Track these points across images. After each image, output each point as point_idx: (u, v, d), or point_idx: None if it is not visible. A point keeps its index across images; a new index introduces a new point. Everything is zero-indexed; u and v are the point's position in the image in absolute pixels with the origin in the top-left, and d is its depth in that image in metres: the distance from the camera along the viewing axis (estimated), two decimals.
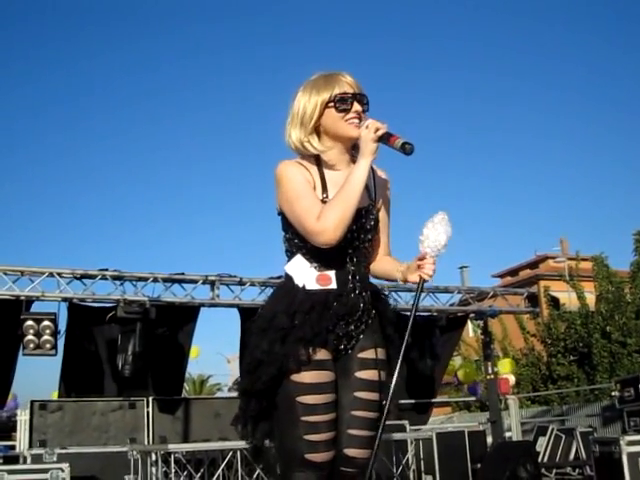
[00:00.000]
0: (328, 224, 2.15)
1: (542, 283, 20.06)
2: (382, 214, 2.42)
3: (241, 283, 8.53)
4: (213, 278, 8.38)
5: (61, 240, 47.40)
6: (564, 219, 42.91)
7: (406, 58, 43.71)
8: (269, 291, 7.89)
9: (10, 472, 5.63)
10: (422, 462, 7.91)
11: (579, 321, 16.59)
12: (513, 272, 30.65)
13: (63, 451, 6.61)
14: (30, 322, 7.32)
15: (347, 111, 2.27)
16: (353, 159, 2.32)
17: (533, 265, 30.10)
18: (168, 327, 8.27)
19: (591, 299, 16.89)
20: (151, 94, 45.89)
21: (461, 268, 20.09)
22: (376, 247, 2.42)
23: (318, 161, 2.34)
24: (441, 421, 16.38)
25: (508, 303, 10.60)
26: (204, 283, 8.39)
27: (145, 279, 8.11)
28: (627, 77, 42.24)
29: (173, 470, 6.33)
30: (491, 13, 42.59)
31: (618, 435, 6.37)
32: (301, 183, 2.26)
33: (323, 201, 2.24)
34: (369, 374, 2.29)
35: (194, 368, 28.13)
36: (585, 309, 16.65)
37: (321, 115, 2.29)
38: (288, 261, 2.34)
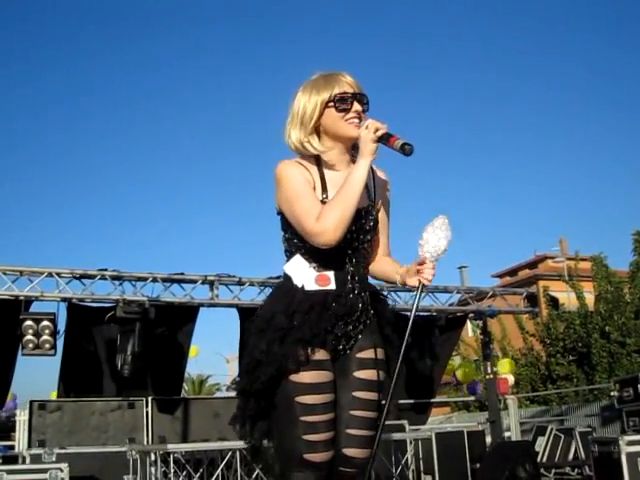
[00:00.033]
0: (328, 225, 2.15)
1: (541, 283, 20.05)
2: (381, 215, 2.42)
3: (240, 283, 8.53)
4: (212, 278, 8.37)
5: (60, 240, 47.46)
6: (563, 219, 43.01)
7: (406, 58, 43.77)
8: (268, 291, 7.89)
9: (9, 472, 5.62)
10: (421, 462, 7.91)
11: (578, 321, 16.59)
12: (512, 272, 30.67)
13: (62, 451, 6.60)
14: (29, 322, 7.31)
15: (347, 111, 2.26)
16: (353, 159, 2.32)
17: (532, 265, 30.12)
18: (167, 327, 8.27)
19: (590, 299, 16.91)
20: (151, 94, 45.96)
21: (460, 268, 20.09)
22: (375, 248, 2.42)
23: (318, 161, 2.33)
24: (440, 421, 16.38)
25: (507, 303, 10.60)
26: (203, 283, 8.39)
27: (144, 279, 8.11)
28: (627, 77, 42.33)
29: (172, 470, 6.32)
30: (491, 13, 42.66)
31: (617, 435, 6.37)
32: (301, 183, 2.25)
33: (323, 201, 2.24)
34: (368, 374, 2.29)
35: (193, 368, 28.21)
36: (584, 309, 16.66)
37: (321, 115, 2.29)
38: (287, 261, 2.34)
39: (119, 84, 44.29)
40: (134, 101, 47.00)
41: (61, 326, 7.66)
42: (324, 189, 2.29)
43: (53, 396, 8.80)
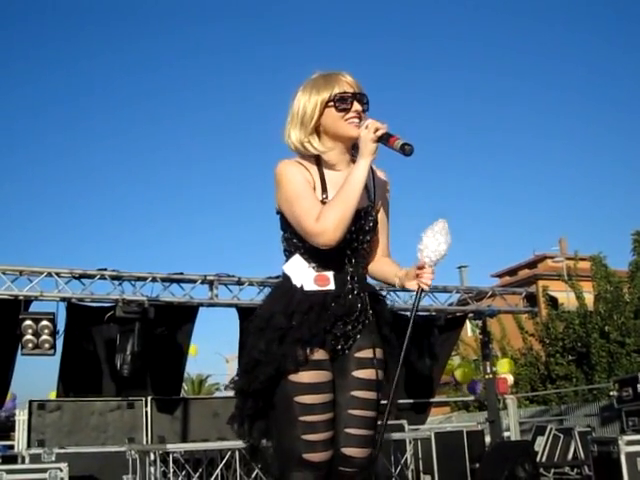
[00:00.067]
0: (327, 225, 2.15)
1: (541, 283, 20.04)
2: (381, 215, 2.42)
3: (239, 283, 8.53)
4: (212, 278, 8.37)
5: (60, 240, 47.44)
6: (563, 219, 43.04)
7: (406, 58, 43.78)
8: (268, 291, 7.88)
9: (9, 472, 5.62)
10: (420, 462, 7.91)
11: (577, 321, 16.60)
12: (512, 272, 30.68)
13: (61, 451, 6.60)
14: (29, 322, 7.31)
15: (347, 110, 2.26)
16: (353, 159, 2.31)
17: (532, 265, 30.13)
18: (167, 327, 8.26)
19: (590, 299, 16.91)
20: (151, 94, 45.95)
21: (460, 268, 20.14)
22: (374, 248, 2.42)
23: (318, 161, 2.33)
24: (439, 421, 16.38)
25: (507, 303, 10.60)
26: (203, 283, 8.38)
27: (144, 279, 8.11)
28: (627, 77, 42.35)
29: (171, 470, 6.33)
30: (491, 13, 42.68)
31: (616, 435, 6.37)
32: (301, 183, 2.25)
33: (323, 202, 2.24)
34: (366, 373, 2.29)
35: (193, 368, 28.23)
36: (583, 309, 16.66)
37: (321, 115, 2.28)
38: (286, 260, 2.34)
39: (119, 84, 44.34)
40: (134, 101, 47.05)
41: (60, 326, 7.66)
42: (324, 189, 2.28)
43: (52, 396, 8.80)
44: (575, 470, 9.30)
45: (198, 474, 6.68)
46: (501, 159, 47.56)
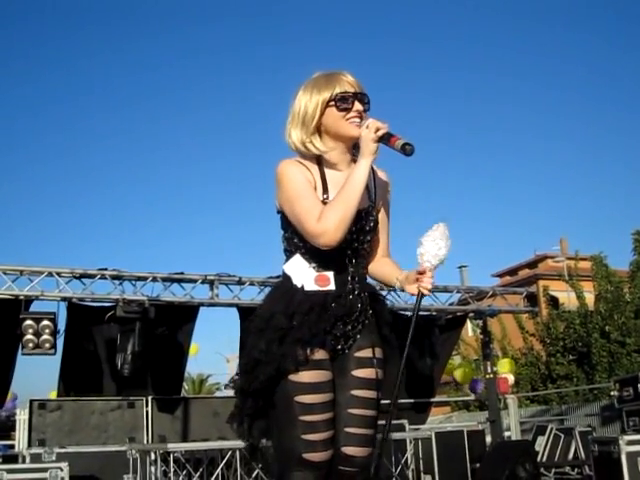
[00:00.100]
0: (328, 225, 2.15)
1: (541, 283, 20.07)
2: (382, 215, 2.41)
3: (240, 283, 8.52)
4: (212, 278, 8.37)
5: (60, 239, 47.35)
6: (564, 219, 43.00)
7: (406, 58, 43.68)
8: (268, 290, 7.88)
9: (9, 471, 5.62)
10: (421, 462, 7.91)
11: (578, 321, 16.60)
12: (512, 272, 30.67)
13: (62, 450, 6.60)
14: (29, 321, 7.31)
15: (348, 110, 2.26)
16: (354, 159, 2.31)
17: (532, 265, 30.12)
18: (167, 326, 8.26)
19: (590, 299, 16.91)
20: (151, 94, 45.86)
21: (460, 267, 20.06)
22: (375, 248, 2.42)
23: (319, 161, 2.33)
24: (440, 420, 16.38)
25: (507, 303, 10.60)
26: (203, 283, 8.38)
27: (144, 279, 8.11)
28: (627, 77, 42.26)
29: (172, 469, 6.32)
30: (491, 13, 42.56)
31: (617, 435, 6.37)
32: (302, 183, 2.25)
33: (324, 202, 2.23)
34: (366, 372, 2.29)
35: (193, 367, 28.21)
36: (584, 309, 16.67)
37: (322, 114, 2.28)
38: (287, 260, 2.34)
39: (119, 84, 44.25)
40: (134, 101, 46.93)
41: (61, 325, 7.66)
42: (325, 189, 2.28)
43: (53, 395, 8.79)
44: (576, 470, 9.29)
45: (199, 474, 6.68)
46: (501, 159, 47.56)
